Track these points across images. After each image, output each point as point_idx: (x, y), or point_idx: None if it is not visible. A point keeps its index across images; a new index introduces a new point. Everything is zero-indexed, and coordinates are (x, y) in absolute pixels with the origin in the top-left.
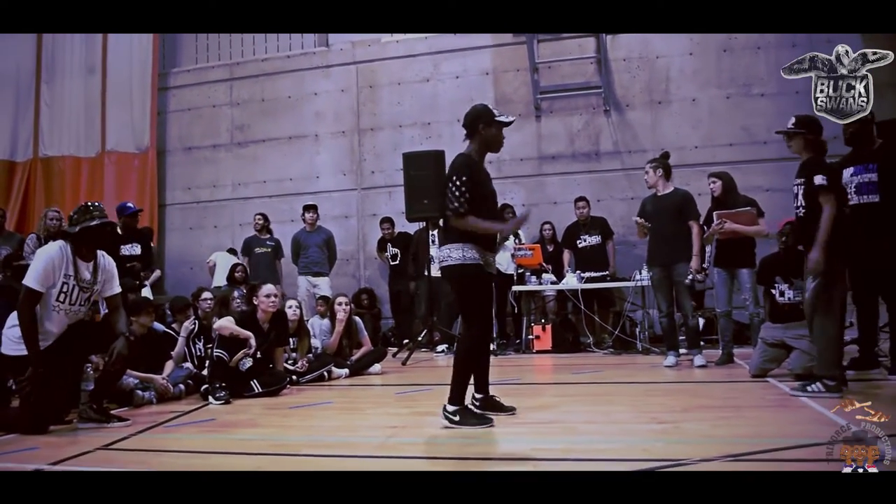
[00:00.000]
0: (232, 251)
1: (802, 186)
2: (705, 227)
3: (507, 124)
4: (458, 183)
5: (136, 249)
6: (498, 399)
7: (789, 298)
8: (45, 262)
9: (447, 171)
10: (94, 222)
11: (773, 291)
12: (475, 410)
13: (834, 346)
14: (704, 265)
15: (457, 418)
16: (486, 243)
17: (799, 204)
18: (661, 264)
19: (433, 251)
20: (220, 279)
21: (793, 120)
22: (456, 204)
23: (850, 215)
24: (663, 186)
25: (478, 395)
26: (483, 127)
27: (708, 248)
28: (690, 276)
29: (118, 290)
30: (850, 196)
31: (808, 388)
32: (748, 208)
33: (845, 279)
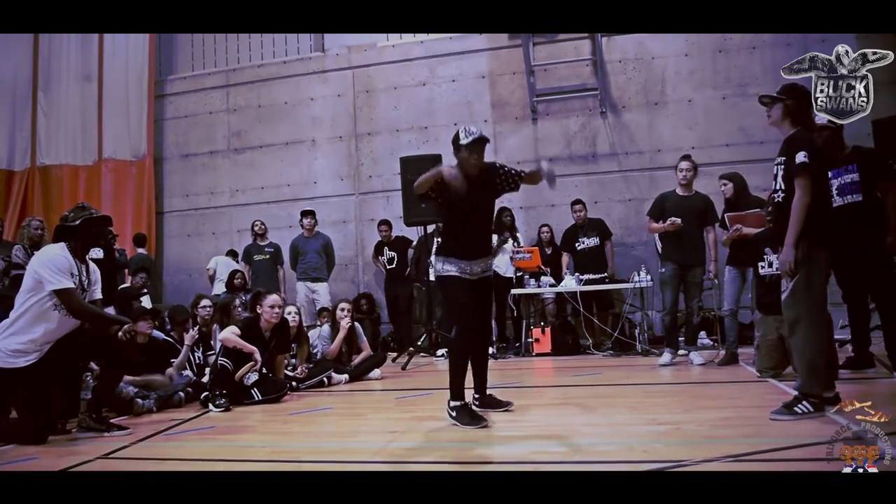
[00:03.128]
0: (232, 253)
1: (782, 167)
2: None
3: (470, 145)
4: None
5: (97, 253)
6: (495, 397)
7: (776, 269)
8: (59, 261)
9: None
10: (95, 214)
11: (762, 264)
12: (473, 410)
13: (821, 357)
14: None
15: (454, 414)
16: (459, 253)
17: (778, 187)
18: (677, 263)
19: (432, 257)
20: (220, 286)
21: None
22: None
23: (834, 216)
24: (689, 187)
25: (476, 396)
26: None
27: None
28: (709, 275)
29: (101, 295)
30: (832, 199)
31: (796, 409)
32: (757, 210)
33: (825, 276)
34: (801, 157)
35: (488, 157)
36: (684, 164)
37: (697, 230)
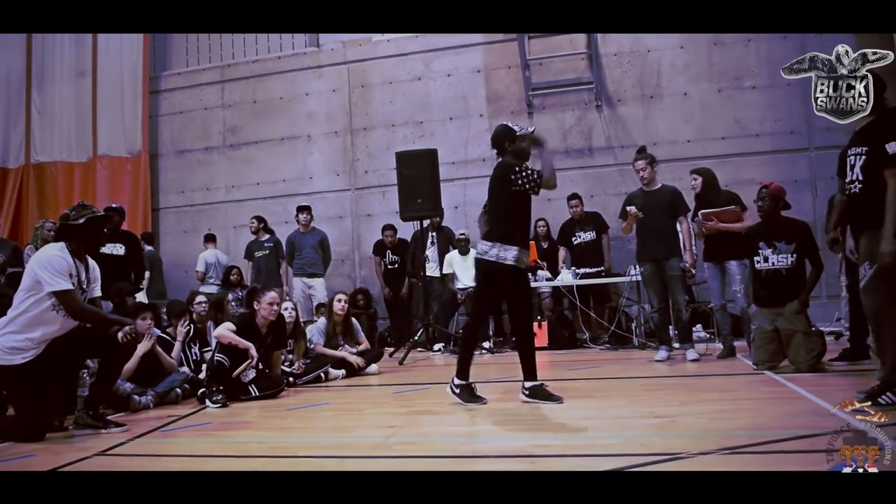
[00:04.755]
0: (209, 237)
1: (863, 157)
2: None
3: (528, 136)
4: (520, 171)
5: (118, 250)
6: (547, 389)
7: (773, 263)
8: (57, 262)
9: (497, 175)
10: (99, 212)
11: (757, 259)
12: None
13: None
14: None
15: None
16: (520, 241)
17: (855, 178)
18: (652, 259)
19: (429, 252)
20: (211, 288)
21: None
22: (532, 181)
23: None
24: (652, 182)
25: (528, 384)
26: (509, 144)
27: (698, 243)
28: (684, 265)
29: (100, 293)
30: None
31: (880, 400)
32: (732, 207)
33: None
34: (893, 147)
35: (487, 151)
36: (640, 164)
37: (668, 223)
